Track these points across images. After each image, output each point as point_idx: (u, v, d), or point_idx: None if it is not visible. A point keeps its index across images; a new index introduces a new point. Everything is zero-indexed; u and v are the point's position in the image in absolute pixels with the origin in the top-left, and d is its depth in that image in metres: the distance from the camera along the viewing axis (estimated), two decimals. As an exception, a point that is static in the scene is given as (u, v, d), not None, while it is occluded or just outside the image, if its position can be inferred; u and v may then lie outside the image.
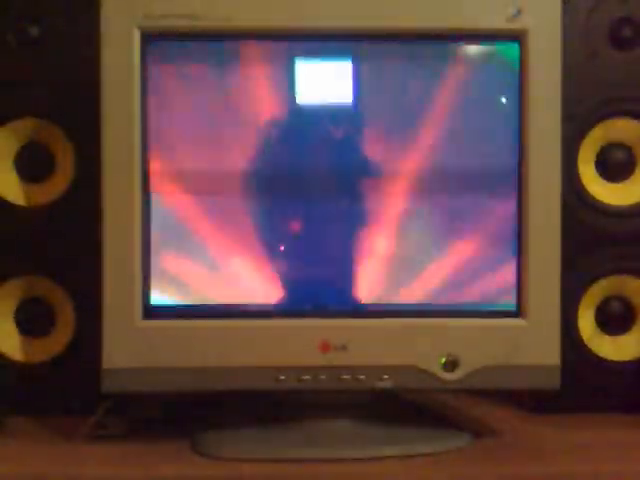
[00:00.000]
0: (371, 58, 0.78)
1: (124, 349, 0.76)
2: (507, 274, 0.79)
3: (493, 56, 0.79)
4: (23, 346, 0.87)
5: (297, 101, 0.78)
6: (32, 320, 0.87)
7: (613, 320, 0.89)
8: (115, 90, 0.76)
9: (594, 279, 0.88)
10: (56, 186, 0.86)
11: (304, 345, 0.77)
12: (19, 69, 0.86)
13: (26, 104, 0.86)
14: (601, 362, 0.88)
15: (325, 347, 0.77)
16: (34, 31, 0.86)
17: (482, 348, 0.78)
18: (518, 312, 0.78)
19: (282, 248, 0.79)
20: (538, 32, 0.77)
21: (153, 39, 0.77)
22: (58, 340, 0.87)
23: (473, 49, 0.79)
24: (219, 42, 0.77)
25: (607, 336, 0.89)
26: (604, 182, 0.89)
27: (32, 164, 0.87)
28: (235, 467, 0.73)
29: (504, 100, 0.79)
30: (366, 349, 0.77)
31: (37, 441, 0.80)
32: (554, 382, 0.78)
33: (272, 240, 0.79)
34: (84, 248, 0.81)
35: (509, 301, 0.79)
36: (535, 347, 0.78)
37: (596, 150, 0.88)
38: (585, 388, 0.88)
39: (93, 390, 0.77)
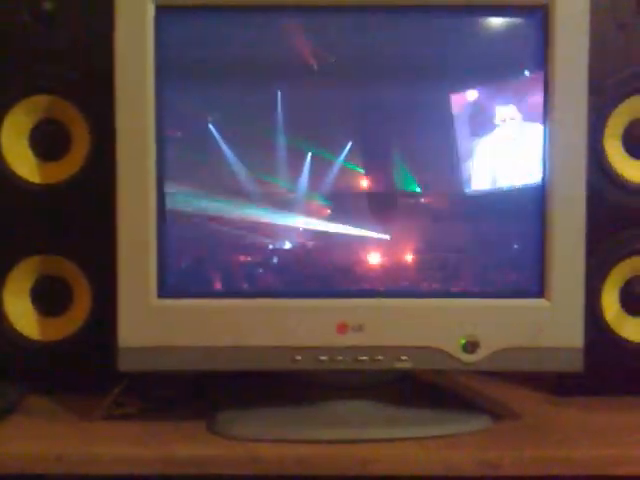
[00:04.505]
0: (393, 30, 0.76)
1: (140, 328, 0.76)
2: (530, 253, 0.77)
3: (518, 26, 0.76)
4: (39, 325, 0.87)
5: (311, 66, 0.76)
6: (48, 299, 0.87)
7: (638, 301, 0.87)
8: (129, 65, 0.75)
9: (619, 259, 0.86)
10: (71, 163, 0.85)
11: (321, 325, 0.76)
12: (33, 45, 0.85)
13: (40, 81, 0.85)
14: (625, 344, 0.86)
15: (343, 328, 0.76)
16: (48, 6, 0.85)
17: (503, 329, 0.76)
18: (541, 292, 0.77)
19: (301, 228, 0.78)
20: (565, 3, 0.75)
21: (167, 12, 0.75)
22: (74, 319, 0.86)
23: (498, 19, 0.76)
24: (233, 14, 0.76)
25: (632, 317, 0.87)
26: (631, 159, 0.86)
27: (47, 141, 0.86)
28: (250, 448, 0.73)
29: (528, 73, 0.76)
30: (384, 330, 0.76)
31: (53, 420, 0.80)
32: (577, 365, 0.76)
33: (291, 219, 0.77)
34: (100, 226, 0.81)
35: (532, 281, 0.77)
36: (558, 329, 0.76)
37: (624, 125, 0.86)
38: (608, 370, 0.86)
39: (109, 369, 0.77)
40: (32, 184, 0.86)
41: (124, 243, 0.75)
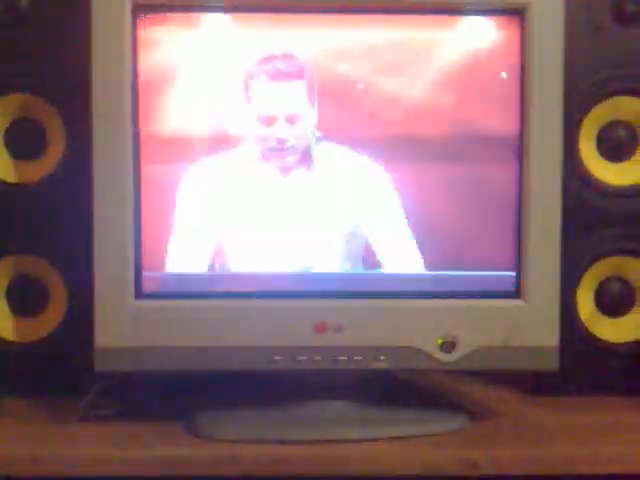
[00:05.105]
0: (374, 32, 0.76)
1: (117, 329, 0.75)
2: (507, 254, 0.78)
3: (494, 30, 0.77)
4: (15, 326, 0.86)
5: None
6: (24, 299, 0.86)
7: (613, 301, 0.88)
8: (106, 63, 0.74)
9: (594, 260, 0.87)
10: (47, 163, 0.85)
11: (300, 326, 0.76)
12: (8, 43, 0.84)
13: (16, 79, 0.84)
14: (600, 344, 0.87)
15: (321, 328, 0.76)
16: (23, 4, 0.84)
17: (480, 329, 0.77)
18: (517, 293, 0.77)
19: (280, 226, 0.78)
20: (540, 6, 0.76)
21: (144, 10, 0.75)
22: (50, 319, 0.86)
23: (474, 22, 0.77)
24: (209, 12, 0.76)
25: (606, 317, 0.88)
26: (605, 161, 0.87)
27: (22, 141, 0.85)
28: (230, 448, 0.73)
29: (505, 75, 0.77)
30: (362, 330, 0.76)
31: (30, 422, 0.79)
32: (553, 364, 0.77)
33: (268, 220, 0.77)
34: (76, 226, 0.80)
35: (508, 281, 0.78)
36: (534, 328, 0.77)
37: (598, 128, 0.87)
38: (583, 370, 0.87)
39: (86, 370, 0.76)
40: (7, 184, 0.85)
41: (101, 243, 0.75)
